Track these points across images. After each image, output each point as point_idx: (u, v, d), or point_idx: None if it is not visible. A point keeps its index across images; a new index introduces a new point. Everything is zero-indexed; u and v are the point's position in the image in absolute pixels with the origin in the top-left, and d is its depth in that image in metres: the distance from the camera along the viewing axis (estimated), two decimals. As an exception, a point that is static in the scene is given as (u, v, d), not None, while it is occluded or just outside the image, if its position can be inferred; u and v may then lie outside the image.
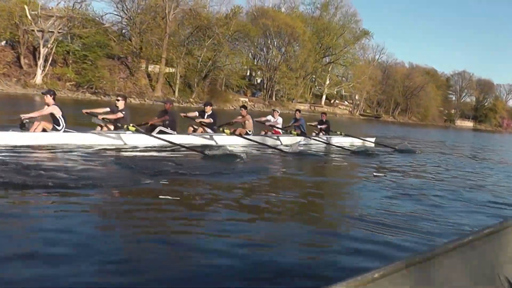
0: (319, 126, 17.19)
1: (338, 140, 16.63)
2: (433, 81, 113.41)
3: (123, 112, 10.94)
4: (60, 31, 47.31)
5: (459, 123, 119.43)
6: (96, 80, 47.96)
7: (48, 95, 10.00)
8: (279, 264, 3.84)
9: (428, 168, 12.63)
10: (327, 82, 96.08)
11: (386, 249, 4.44)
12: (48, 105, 9.98)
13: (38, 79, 47.27)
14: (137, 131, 10.71)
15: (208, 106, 13.26)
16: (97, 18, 52.33)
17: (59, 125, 10.03)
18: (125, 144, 10.74)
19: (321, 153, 14.07)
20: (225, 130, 12.83)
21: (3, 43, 48.34)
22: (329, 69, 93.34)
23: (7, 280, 3.16)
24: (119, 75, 52.21)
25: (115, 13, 53.08)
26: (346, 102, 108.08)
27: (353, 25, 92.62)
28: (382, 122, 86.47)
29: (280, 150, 12.48)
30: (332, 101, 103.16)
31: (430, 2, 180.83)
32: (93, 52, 48.06)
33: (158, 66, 54.90)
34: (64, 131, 10.08)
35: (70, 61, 49.19)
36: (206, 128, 13.06)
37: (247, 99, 74.87)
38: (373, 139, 18.42)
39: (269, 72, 77.38)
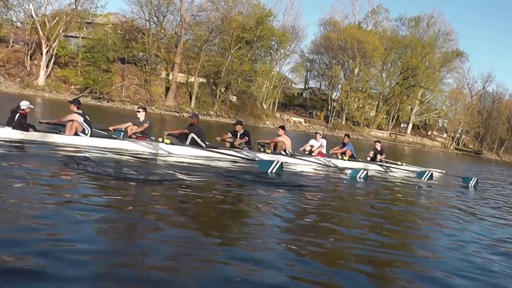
0: (378, 156, 15.74)
1: (395, 170, 15.44)
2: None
3: (147, 122, 11.06)
4: (61, 32, 42.84)
5: None
6: (96, 84, 42.51)
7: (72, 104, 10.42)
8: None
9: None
10: (415, 108, 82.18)
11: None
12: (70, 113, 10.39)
13: (41, 80, 43.23)
14: (172, 143, 10.91)
15: (239, 125, 12.86)
16: (118, 18, 47.17)
17: (85, 131, 10.31)
18: (160, 152, 10.71)
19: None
20: (266, 150, 12.75)
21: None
22: (418, 95, 79.57)
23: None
24: (133, 81, 46.35)
25: (135, 14, 47.11)
26: (445, 134, 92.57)
27: (444, 44, 78.29)
28: (482, 159, 69.90)
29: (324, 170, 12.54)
30: (429, 132, 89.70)
31: None
32: (94, 53, 42.81)
33: (181, 74, 48.10)
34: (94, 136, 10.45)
35: (79, 64, 44.59)
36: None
37: (302, 120, 65.14)
38: (442, 171, 16.70)
39: (332, 91, 67.02)
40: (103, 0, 56.74)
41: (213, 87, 48.99)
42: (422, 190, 11.98)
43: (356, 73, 66.77)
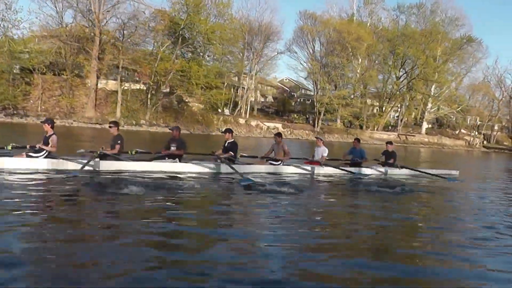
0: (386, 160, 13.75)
1: (394, 173, 13.38)
2: None
3: (119, 142, 10.08)
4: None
5: None
6: (4, 98, 37.53)
7: (47, 124, 9.53)
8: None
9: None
10: (428, 105, 71.98)
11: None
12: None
13: None
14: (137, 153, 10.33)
15: (228, 133, 11.36)
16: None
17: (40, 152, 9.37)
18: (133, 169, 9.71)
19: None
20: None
21: None
22: (430, 89, 69.60)
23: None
24: (54, 93, 41.07)
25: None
26: (475, 132, 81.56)
27: (454, 31, 67.95)
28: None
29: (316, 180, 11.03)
30: (457, 131, 79.26)
31: None
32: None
33: (113, 82, 42.39)
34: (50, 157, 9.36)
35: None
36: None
37: (279, 125, 57.26)
38: (456, 172, 14.39)
39: (316, 91, 58.90)
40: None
41: (152, 92, 42.79)
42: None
43: (332, 67, 58.48)
